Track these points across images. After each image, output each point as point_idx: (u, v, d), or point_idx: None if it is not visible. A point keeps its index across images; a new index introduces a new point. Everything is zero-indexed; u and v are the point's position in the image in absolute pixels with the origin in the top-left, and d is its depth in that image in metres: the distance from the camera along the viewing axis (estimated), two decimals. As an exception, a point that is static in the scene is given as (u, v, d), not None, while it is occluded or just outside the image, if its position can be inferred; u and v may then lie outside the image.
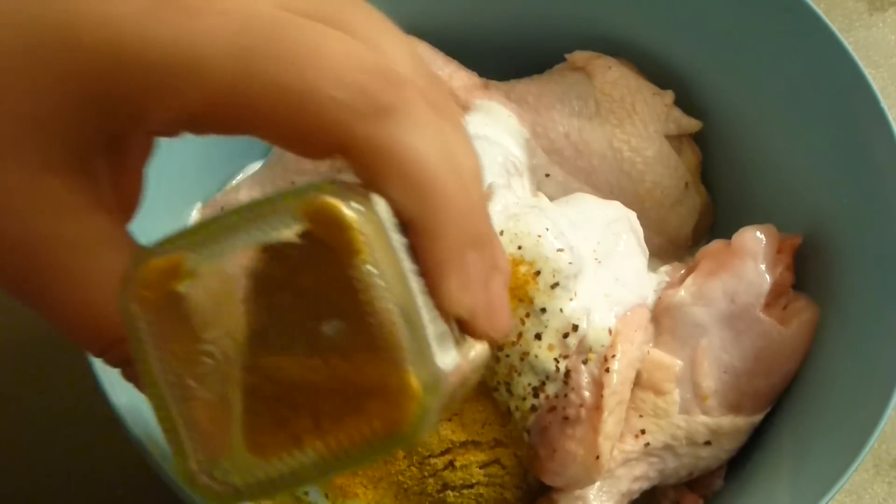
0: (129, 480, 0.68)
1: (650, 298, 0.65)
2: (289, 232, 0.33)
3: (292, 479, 0.34)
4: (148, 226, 0.66)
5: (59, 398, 0.72)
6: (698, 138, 0.75)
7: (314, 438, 0.34)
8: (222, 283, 0.34)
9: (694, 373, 0.64)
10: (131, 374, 0.38)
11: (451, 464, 0.60)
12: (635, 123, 0.72)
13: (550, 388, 0.60)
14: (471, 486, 0.61)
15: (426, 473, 0.60)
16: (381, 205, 0.34)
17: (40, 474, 0.71)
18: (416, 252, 0.34)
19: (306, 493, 0.62)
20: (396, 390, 0.33)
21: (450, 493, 0.61)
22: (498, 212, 0.61)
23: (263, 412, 0.34)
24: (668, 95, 0.73)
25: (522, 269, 0.60)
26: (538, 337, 0.60)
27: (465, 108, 0.71)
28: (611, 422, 0.60)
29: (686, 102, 0.74)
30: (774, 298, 0.65)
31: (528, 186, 0.70)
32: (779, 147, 0.71)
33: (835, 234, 0.67)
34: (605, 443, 0.60)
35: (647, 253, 0.67)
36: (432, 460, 0.60)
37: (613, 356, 0.60)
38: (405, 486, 0.60)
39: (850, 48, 0.66)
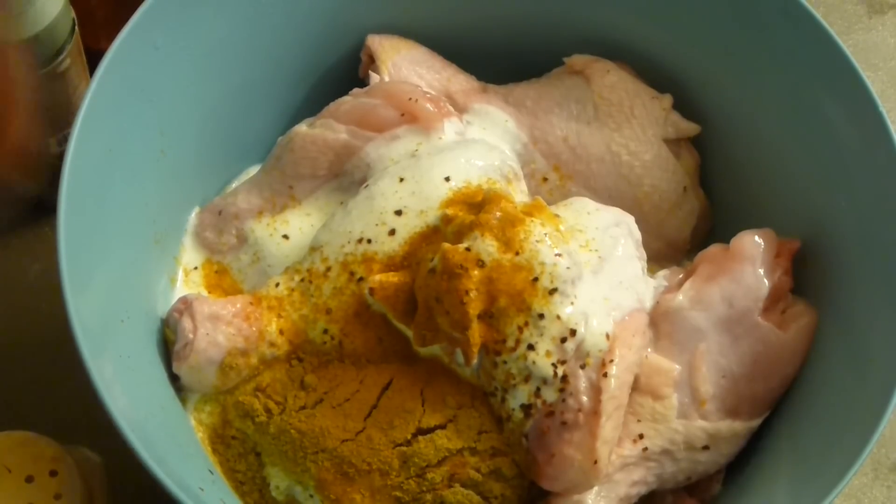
0: (126, 483, 0.67)
1: (648, 303, 0.65)
2: None
3: None
4: (147, 229, 0.66)
5: (59, 402, 0.72)
6: (697, 142, 0.75)
7: None
8: None
9: (692, 377, 0.64)
10: None
11: (450, 479, 0.60)
12: (633, 127, 0.72)
13: (548, 394, 0.60)
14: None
15: (424, 489, 0.60)
16: None
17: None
18: None
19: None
20: None
21: (446, 510, 0.61)
22: (497, 217, 0.60)
23: None
24: (667, 99, 0.73)
25: (521, 274, 0.59)
26: (536, 342, 0.59)
27: (463, 111, 0.71)
28: (609, 427, 0.60)
29: (684, 106, 0.74)
30: (773, 303, 0.65)
31: (526, 191, 0.69)
32: (777, 151, 0.71)
33: (833, 239, 0.67)
34: (603, 448, 0.60)
35: (645, 257, 0.67)
36: (430, 474, 0.60)
37: (611, 361, 0.60)
38: (403, 501, 0.60)
39: (848, 52, 0.66)
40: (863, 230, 0.65)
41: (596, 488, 0.62)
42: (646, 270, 0.67)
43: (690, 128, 0.74)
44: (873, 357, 0.62)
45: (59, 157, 0.59)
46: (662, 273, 0.68)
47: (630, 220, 0.67)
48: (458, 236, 0.61)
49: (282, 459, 0.61)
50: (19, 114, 0.43)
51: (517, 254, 0.60)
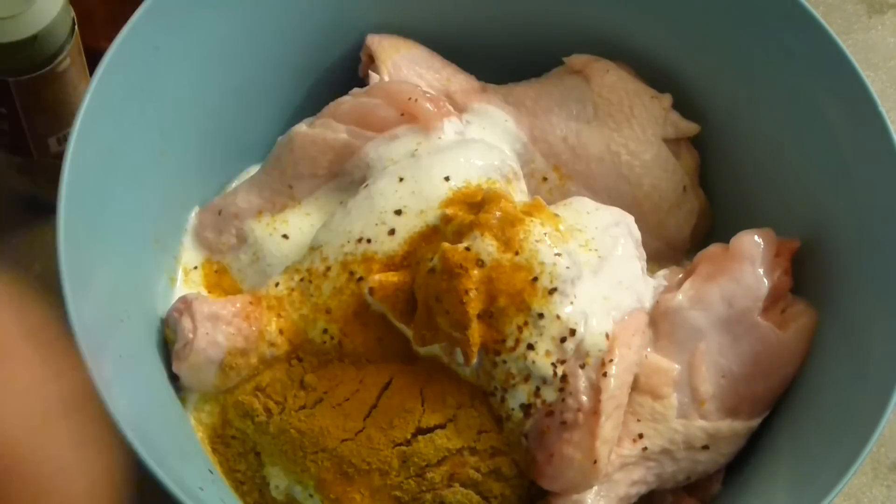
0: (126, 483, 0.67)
1: (648, 303, 0.65)
2: None
3: None
4: (146, 229, 0.66)
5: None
6: (696, 141, 0.75)
7: None
8: None
9: (692, 377, 0.64)
10: None
11: (450, 479, 0.60)
12: (633, 127, 0.72)
13: (548, 393, 0.60)
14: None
15: (423, 488, 0.60)
16: None
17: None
18: None
19: None
20: None
21: (446, 510, 0.60)
22: (496, 217, 0.60)
23: None
24: (667, 99, 0.73)
25: (520, 274, 0.59)
26: (536, 342, 0.59)
27: (463, 111, 0.71)
28: (608, 426, 0.60)
29: (684, 106, 0.74)
30: (772, 302, 0.65)
31: (526, 191, 0.69)
32: (777, 150, 0.71)
33: (833, 238, 0.67)
34: (602, 447, 0.60)
35: (645, 257, 0.67)
36: (429, 474, 0.60)
37: (611, 361, 0.60)
38: (403, 501, 0.60)
39: (848, 51, 0.66)
40: (862, 230, 0.65)
41: (595, 488, 0.62)
42: (645, 270, 0.67)
43: (690, 127, 0.74)
44: (873, 356, 0.62)
45: (59, 157, 0.59)
46: (662, 273, 0.68)
47: (630, 219, 0.67)
48: (458, 236, 0.61)
49: (281, 459, 0.61)
50: None
51: (517, 253, 0.60)
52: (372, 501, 0.60)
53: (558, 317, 0.60)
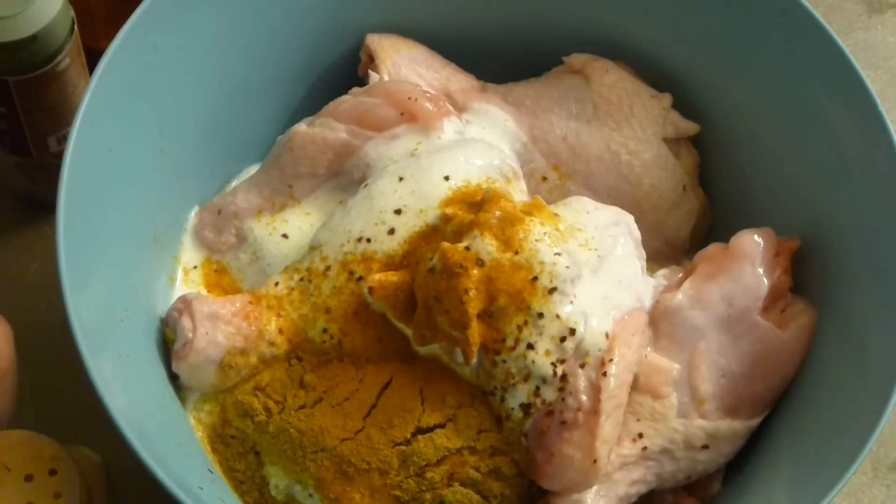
0: (126, 483, 0.68)
1: (648, 302, 0.65)
2: None
3: None
4: (146, 229, 0.66)
5: (58, 402, 0.72)
6: (696, 141, 0.75)
7: None
8: None
9: (692, 377, 0.64)
10: None
11: (450, 478, 0.60)
12: (633, 126, 0.72)
13: (547, 393, 0.60)
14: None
15: (423, 488, 0.60)
16: None
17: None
18: None
19: None
20: None
21: (445, 509, 0.60)
22: (496, 217, 0.60)
23: None
24: (666, 98, 0.73)
25: (520, 273, 0.59)
26: (535, 341, 0.59)
27: (463, 110, 0.71)
28: (608, 426, 0.60)
29: (684, 105, 0.74)
30: (772, 302, 0.65)
31: (526, 190, 0.69)
32: (777, 150, 0.71)
33: (832, 238, 0.67)
34: (602, 447, 0.60)
35: (645, 256, 0.67)
36: (429, 473, 0.60)
37: (611, 360, 0.60)
38: (402, 501, 0.60)
39: (847, 51, 0.66)
40: (862, 229, 0.65)
41: (595, 487, 0.62)
42: (645, 269, 0.67)
43: (690, 127, 0.74)
44: (872, 355, 0.62)
45: (59, 157, 0.59)
46: (662, 272, 0.68)
47: (629, 219, 0.67)
48: (458, 235, 0.61)
49: (281, 458, 0.61)
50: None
51: (516, 253, 0.60)
52: (371, 501, 0.60)
53: (558, 316, 0.60)
